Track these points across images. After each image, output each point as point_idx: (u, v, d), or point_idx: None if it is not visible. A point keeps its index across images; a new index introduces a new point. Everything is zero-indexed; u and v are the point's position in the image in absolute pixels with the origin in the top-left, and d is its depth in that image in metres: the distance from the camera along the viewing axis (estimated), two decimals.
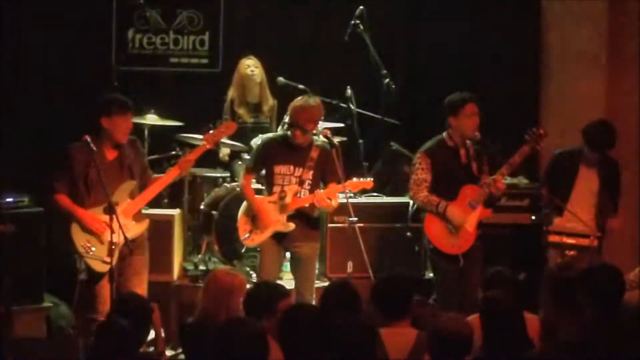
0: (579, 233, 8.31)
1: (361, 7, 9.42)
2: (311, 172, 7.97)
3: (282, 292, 6.15)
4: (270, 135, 8.36)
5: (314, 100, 8.05)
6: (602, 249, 8.38)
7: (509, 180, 9.29)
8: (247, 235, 8.04)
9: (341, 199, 8.04)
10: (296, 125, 7.89)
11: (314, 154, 7.97)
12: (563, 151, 8.70)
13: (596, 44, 9.88)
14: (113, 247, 7.42)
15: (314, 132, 8.13)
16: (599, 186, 8.47)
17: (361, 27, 9.36)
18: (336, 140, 8.29)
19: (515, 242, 9.17)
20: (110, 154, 7.62)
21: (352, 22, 9.37)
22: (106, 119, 7.55)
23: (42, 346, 8.24)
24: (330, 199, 7.89)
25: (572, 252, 8.25)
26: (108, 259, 7.42)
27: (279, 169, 7.99)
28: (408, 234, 9.08)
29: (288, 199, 7.93)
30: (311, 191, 7.95)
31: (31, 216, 8.50)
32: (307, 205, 7.94)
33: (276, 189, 7.98)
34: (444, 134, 8.08)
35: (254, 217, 8.02)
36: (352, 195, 8.35)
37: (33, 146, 9.71)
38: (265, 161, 8.05)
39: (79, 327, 8.37)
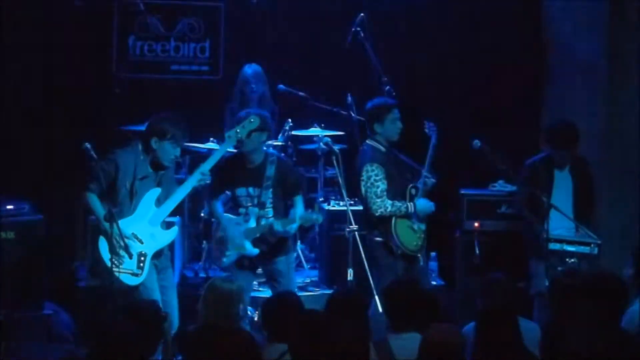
0: (579, 241, 8.31)
1: (362, 14, 9.42)
2: (270, 191, 7.87)
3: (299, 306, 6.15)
4: (226, 156, 8.10)
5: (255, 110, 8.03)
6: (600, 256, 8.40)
7: (508, 187, 9.33)
8: (223, 259, 7.98)
9: (341, 206, 8.03)
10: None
11: (270, 171, 7.87)
12: (535, 159, 8.72)
13: (597, 50, 9.89)
14: (142, 258, 7.42)
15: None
16: (573, 187, 8.50)
17: (362, 34, 9.36)
18: (337, 147, 8.29)
19: (515, 249, 9.14)
20: (152, 167, 7.57)
21: (353, 29, 9.37)
22: (157, 140, 7.46)
23: (42, 353, 8.23)
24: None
25: (572, 260, 8.26)
26: (139, 272, 7.41)
27: (240, 191, 7.92)
28: None
29: (251, 223, 7.89)
30: (275, 210, 7.87)
31: (31, 223, 8.48)
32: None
33: (242, 210, 7.93)
34: (370, 142, 8.17)
35: (222, 238, 7.97)
36: (352, 202, 8.35)
37: (34, 153, 9.70)
38: (226, 184, 7.95)
39: (81, 334, 8.39)
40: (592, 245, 8.29)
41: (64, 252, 9.44)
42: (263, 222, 7.84)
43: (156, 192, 7.56)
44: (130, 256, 7.38)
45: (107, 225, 7.20)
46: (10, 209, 8.46)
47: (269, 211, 7.88)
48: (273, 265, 7.97)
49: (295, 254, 8.44)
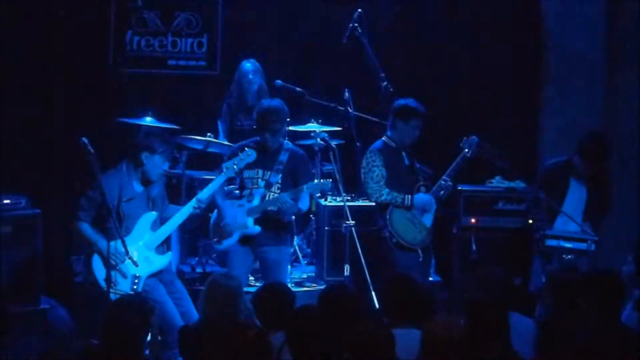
0: (576, 237, 8.33)
1: (359, 10, 9.42)
2: (279, 176, 7.96)
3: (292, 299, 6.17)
4: (243, 142, 8.25)
5: (277, 101, 8.08)
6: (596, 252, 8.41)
7: (506, 184, 9.34)
8: (216, 239, 8.06)
9: (339, 202, 8.04)
10: (265, 128, 7.87)
11: (284, 157, 7.98)
12: (554, 163, 8.72)
13: (595, 47, 9.90)
14: (136, 280, 7.41)
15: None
16: (587, 197, 8.51)
17: (359, 30, 9.37)
18: (334, 143, 8.31)
19: (512, 245, 9.16)
20: (138, 186, 7.63)
21: (351, 25, 9.37)
22: (148, 155, 7.54)
23: (39, 348, 8.22)
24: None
25: (569, 256, 8.27)
26: (132, 294, 7.40)
27: (248, 173, 8.00)
28: None
29: (255, 201, 7.92)
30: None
31: (29, 218, 8.47)
32: (274, 208, 7.90)
33: (246, 192, 7.99)
34: (384, 137, 8.25)
35: (225, 225, 8.00)
36: (349, 198, 8.36)
37: (31, 148, 9.69)
38: None
39: (77, 329, 8.39)
40: (588, 241, 8.31)
41: (61, 246, 9.43)
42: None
43: (152, 215, 7.61)
44: (125, 276, 7.43)
45: (104, 245, 7.25)
46: (7, 203, 8.44)
47: (274, 195, 7.94)
48: (263, 254, 8.01)
49: (290, 249, 8.44)
